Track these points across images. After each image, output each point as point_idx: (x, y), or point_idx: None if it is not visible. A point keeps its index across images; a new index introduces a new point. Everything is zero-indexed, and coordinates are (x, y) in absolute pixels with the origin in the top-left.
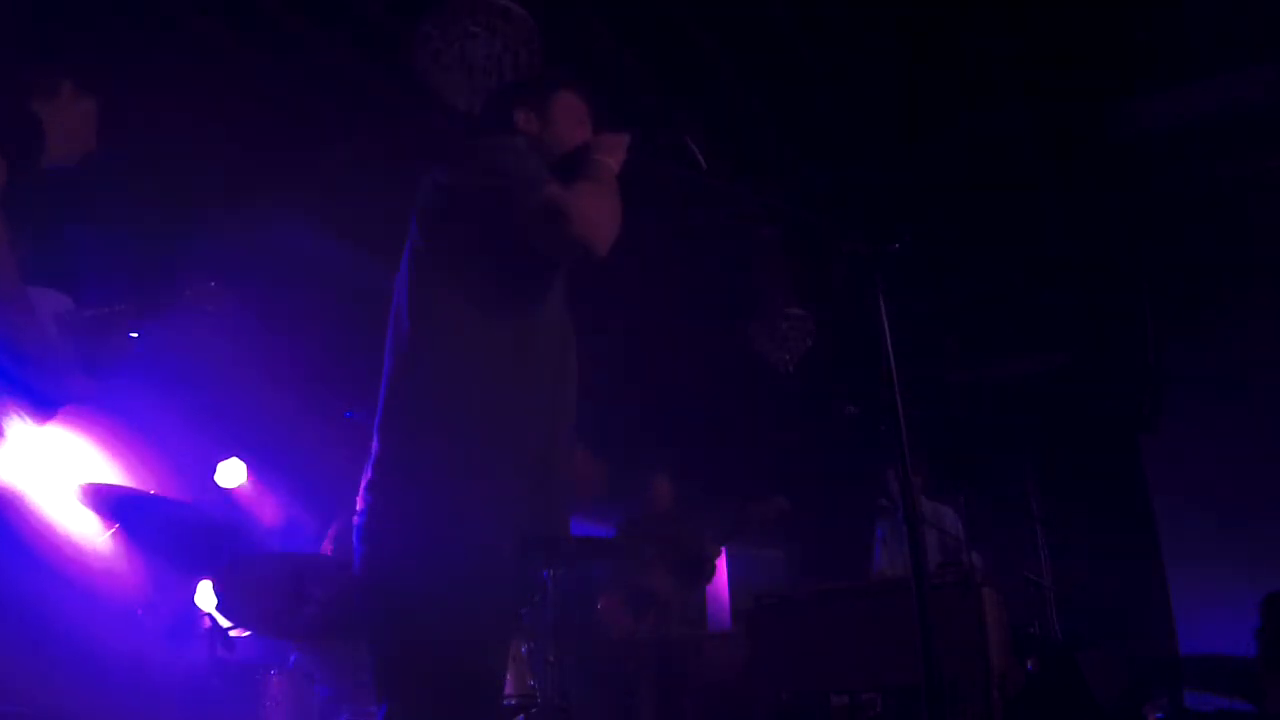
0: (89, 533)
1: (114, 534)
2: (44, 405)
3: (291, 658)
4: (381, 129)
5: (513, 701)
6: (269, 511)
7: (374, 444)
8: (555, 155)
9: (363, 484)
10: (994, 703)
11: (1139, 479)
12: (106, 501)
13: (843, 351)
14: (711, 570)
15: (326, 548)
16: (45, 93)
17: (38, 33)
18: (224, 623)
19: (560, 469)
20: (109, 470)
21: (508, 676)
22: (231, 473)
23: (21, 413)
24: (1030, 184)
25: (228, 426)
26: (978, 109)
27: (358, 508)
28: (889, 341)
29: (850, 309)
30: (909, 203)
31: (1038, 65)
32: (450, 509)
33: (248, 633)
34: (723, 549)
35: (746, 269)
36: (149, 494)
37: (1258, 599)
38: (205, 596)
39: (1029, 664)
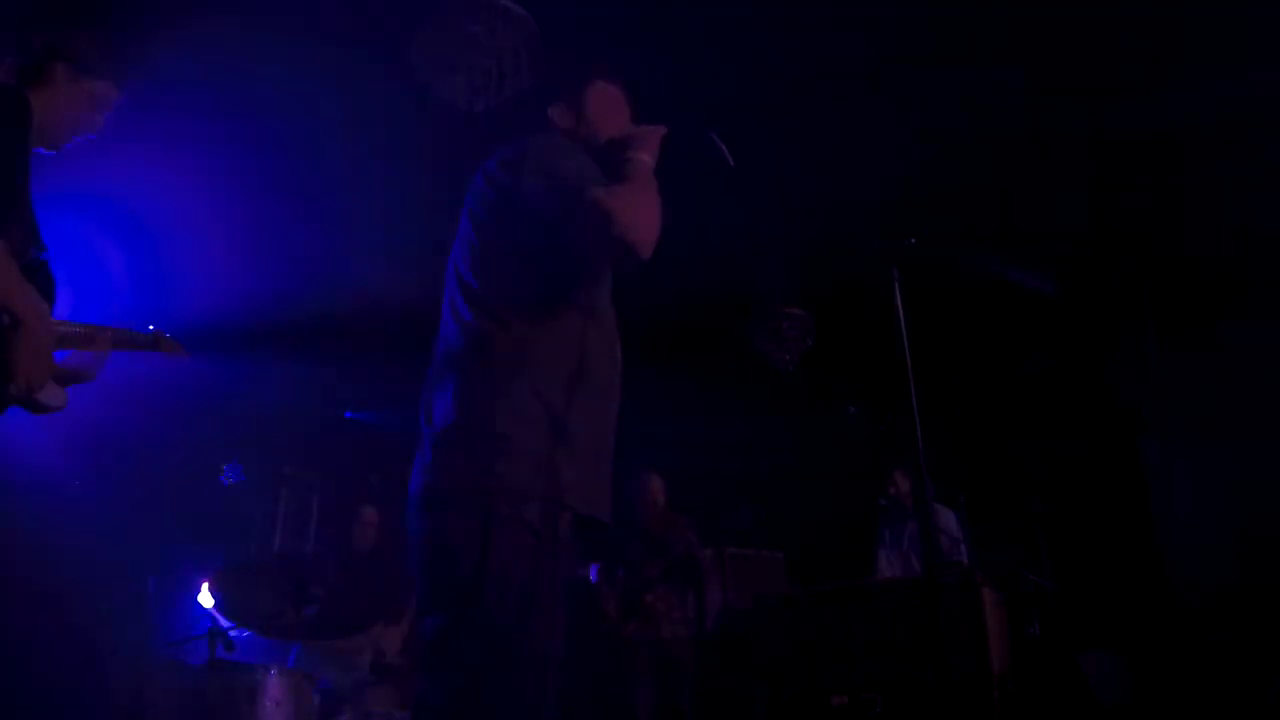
0: (88, 532)
1: (112, 532)
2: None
3: (291, 658)
4: (388, 133)
5: None
6: (269, 510)
7: (434, 417)
8: (593, 146)
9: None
10: (994, 703)
11: (1139, 479)
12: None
13: (845, 350)
14: (701, 573)
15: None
16: (40, 80)
17: (35, 24)
18: (225, 622)
19: (607, 456)
20: (108, 468)
21: None
22: (232, 472)
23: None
24: (1030, 183)
25: (229, 426)
26: (978, 108)
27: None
28: (905, 337)
29: (855, 306)
30: (908, 202)
31: (1038, 64)
32: (505, 473)
33: (247, 632)
34: (708, 552)
35: (749, 266)
36: (148, 492)
37: (1258, 599)
38: (206, 597)
39: (1029, 663)
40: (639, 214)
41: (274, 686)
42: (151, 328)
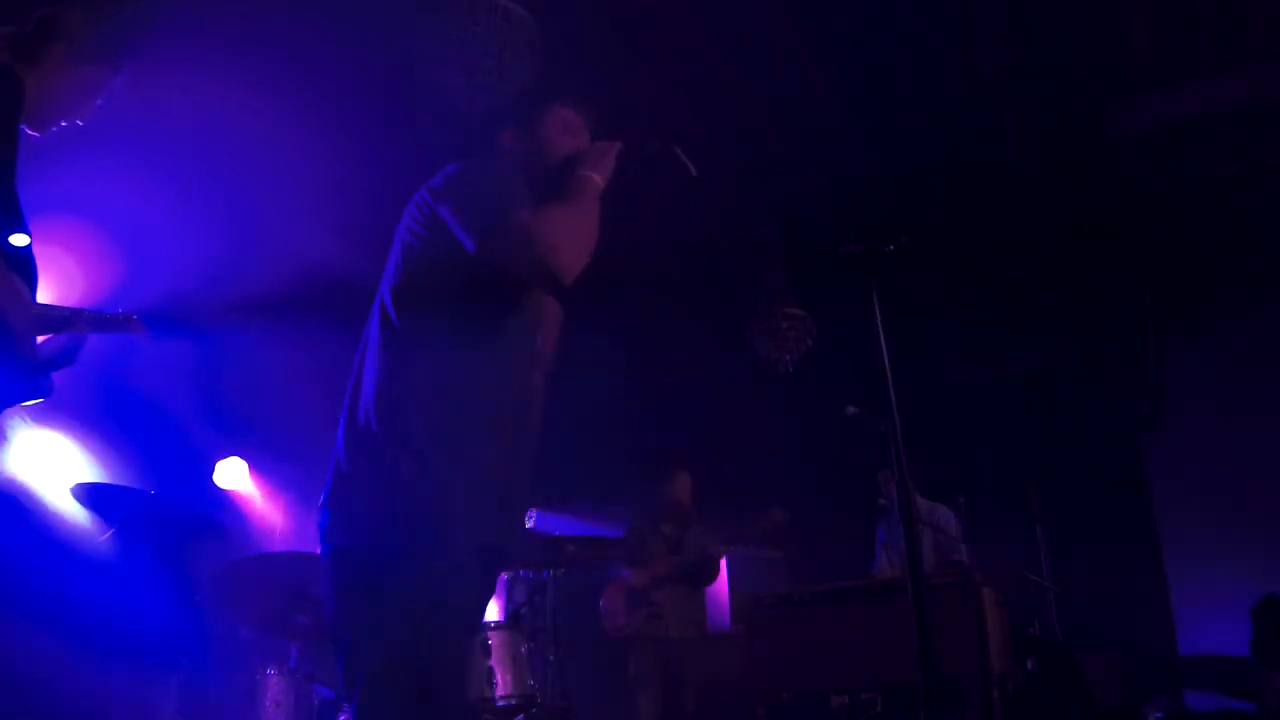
0: (87, 531)
1: (112, 533)
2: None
3: (291, 658)
4: (386, 132)
5: (513, 701)
6: (269, 511)
7: (340, 432)
8: (544, 170)
9: (330, 475)
10: (994, 703)
11: (1139, 479)
12: (104, 500)
13: (844, 351)
14: (715, 573)
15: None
16: (35, 60)
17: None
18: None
19: (520, 485)
20: (110, 468)
21: (507, 677)
22: (231, 472)
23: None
24: (1030, 183)
25: (228, 426)
26: (978, 108)
27: (322, 499)
28: (884, 341)
29: (849, 307)
30: (907, 202)
31: (1038, 64)
32: (416, 503)
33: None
34: (726, 551)
35: (747, 269)
36: (148, 493)
37: (1258, 599)
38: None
39: (1029, 664)
40: (564, 237)
41: (274, 686)
42: (120, 310)
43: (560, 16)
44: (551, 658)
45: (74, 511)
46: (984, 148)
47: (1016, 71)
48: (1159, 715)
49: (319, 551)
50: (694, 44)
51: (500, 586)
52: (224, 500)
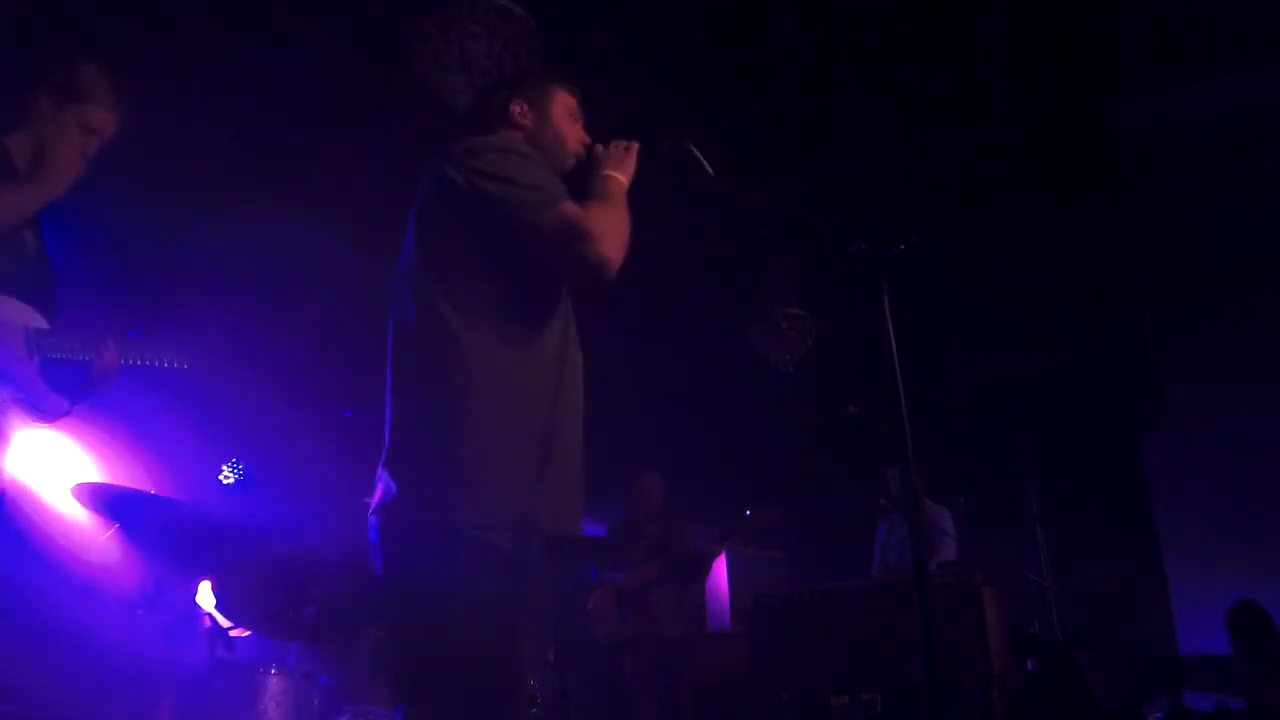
0: (88, 532)
1: (113, 534)
2: (44, 416)
3: (291, 657)
4: (382, 128)
5: None
6: (269, 512)
7: (387, 436)
8: (552, 154)
9: (379, 477)
10: (994, 703)
11: (1139, 478)
12: (105, 501)
13: (844, 351)
14: (705, 571)
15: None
16: (24, 115)
17: (25, 33)
18: (224, 622)
19: (574, 466)
20: (109, 470)
21: None
22: (231, 472)
23: (24, 415)
24: (1030, 184)
25: (228, 427)
26: (978, 108)
27: (374, 500)
28: (893, 343)
29: (852, 308)
30: (909, 202)
31: (1038, 64)
32: (474, 498)
33: (248, 633)
34: (720, 550)
35: (747, 268)
36: (148, 493)
37: (1258, 598)
38: (205, 596)
39: (1029, 664)
40: (611, 233)
41: (274, 686)
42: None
43: (559, 15)
44: (551, 658)
45: (74, 511)
46: (983, 147)
47: (1017, 71)
48: (1159, 715)
49: (371, 558)
50: (694, 43)
51: None
52: (224, 500)
